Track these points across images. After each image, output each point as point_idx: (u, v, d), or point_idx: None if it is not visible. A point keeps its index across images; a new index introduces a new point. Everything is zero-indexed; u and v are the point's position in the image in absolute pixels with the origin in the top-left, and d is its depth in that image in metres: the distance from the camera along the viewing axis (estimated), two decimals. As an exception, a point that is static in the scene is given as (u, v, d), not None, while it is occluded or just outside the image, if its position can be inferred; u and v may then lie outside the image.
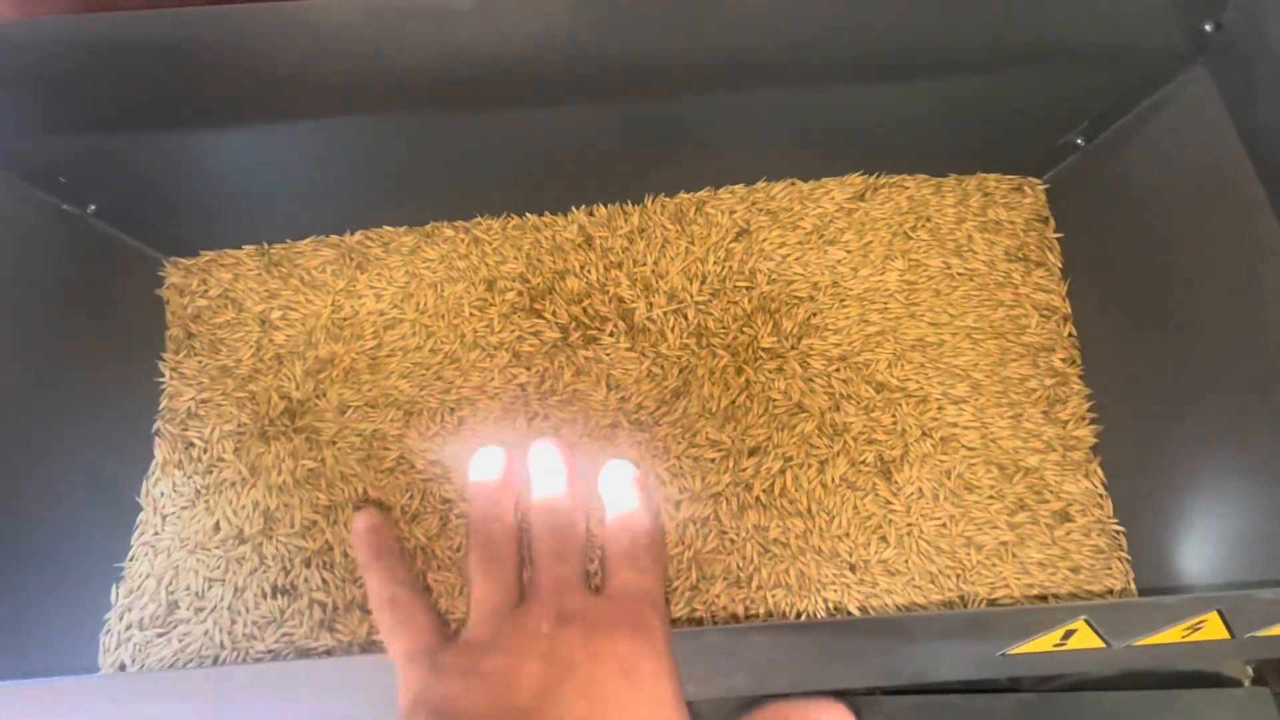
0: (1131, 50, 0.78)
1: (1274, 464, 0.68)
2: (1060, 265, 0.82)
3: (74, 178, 0.79)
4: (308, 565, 0.71)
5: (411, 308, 0.80)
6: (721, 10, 0.74)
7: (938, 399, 0.76)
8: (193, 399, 0.78)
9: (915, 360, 0.77)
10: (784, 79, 0.78)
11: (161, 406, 0.79)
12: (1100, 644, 0.53)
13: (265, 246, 0.85)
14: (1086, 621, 0.50)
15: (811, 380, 0.77)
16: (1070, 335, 0.79)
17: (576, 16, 0.74)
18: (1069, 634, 0.52)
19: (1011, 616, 0.51)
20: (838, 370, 0.77)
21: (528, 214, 0.85)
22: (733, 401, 0.76)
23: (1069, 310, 0.80)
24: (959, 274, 0.81)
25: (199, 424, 0.77)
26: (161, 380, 0.80)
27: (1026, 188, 0.84)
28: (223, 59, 0.75)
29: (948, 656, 0.54)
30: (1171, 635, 0.53)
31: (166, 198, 0.82)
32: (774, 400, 0.76)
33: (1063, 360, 0.78)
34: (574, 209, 0.85)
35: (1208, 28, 0.77)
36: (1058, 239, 0.83)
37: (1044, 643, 0.53)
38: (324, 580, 0.70)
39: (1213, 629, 0.53)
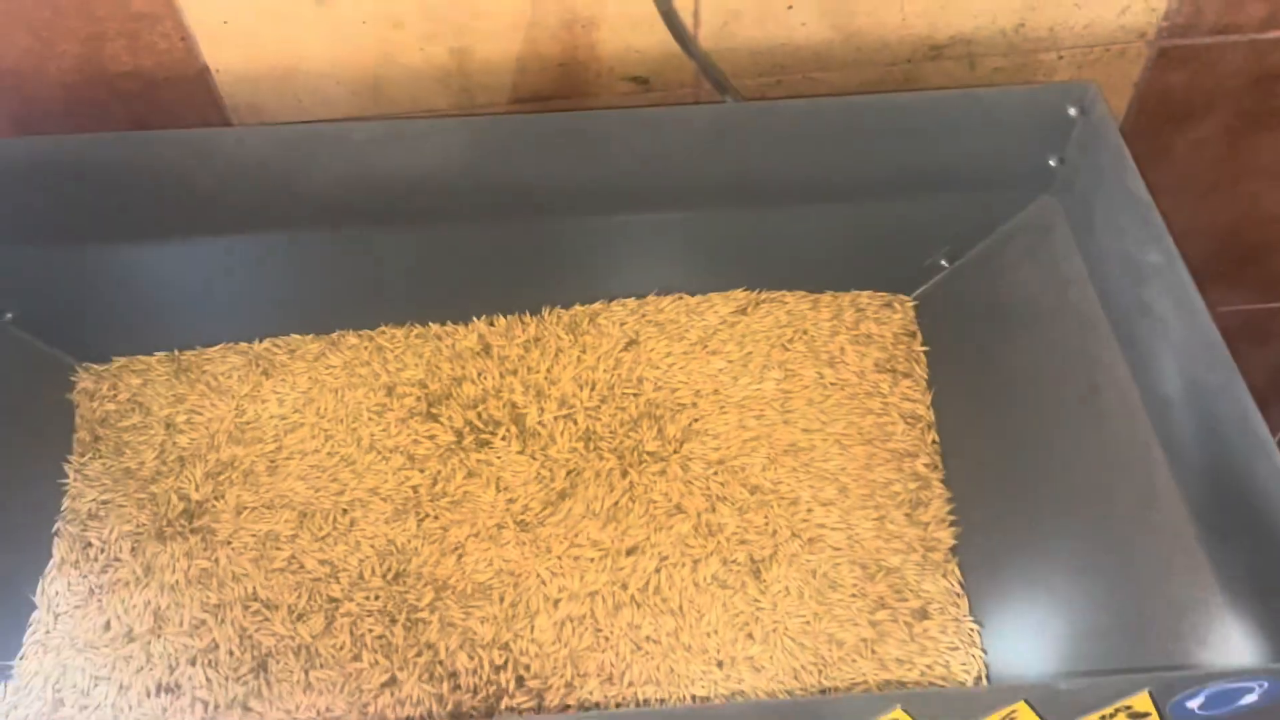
0: (987, 181, 0.86)
1: (1107, 562, 0.72)
2: (925, 376, 0.88)
3: (-9, 288, 0.83)
4: (193, 664, 0.73)
5: (312, 412, 0.84)
6: (607, 149, 0.80)
7: (807, 501, 0.80)
8: (94, 500, 0.81)
9: (788, 464, 0.82)
10: (669, 205, 0.85)
11: (64, 507, 0.81)
12: (925, 735, 0.57)
13: (176, 353, 0.88)
14: (903, 709, 0.54)
15: (691, 483, 0.81)
16: (933, 442, 0.84)
17: (473, 148, 0.80)
18: (892, 724, 0.56)
19: (833, 704, 0.54)
20: (715, 473, 0.81)
21: (430, 323, 0.90)
22: (615, 503, 0.80)
23: (932, 418, 0.85)
24: (831, 383, 0.86)
25: (98, 524, 0.80)
26: (65, 481, 0.82)
27: (896, 304, 0.91)
28: (142, 180, 0.80)
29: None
30: (991, 724, 0.57)
31: (81, 307, 0.87)
32: (654, 502, 0.80)
33: (925, 465, 0.82)
34: (474, 319, 0.90)
35: (1052, 162, 0.85)
36: (924, 351, 0.89)
37: (872, 732, 0.56)
38: (208, 679, 0.72)
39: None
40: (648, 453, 0.83)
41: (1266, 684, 0.55)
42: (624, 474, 0.82)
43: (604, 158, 0.81)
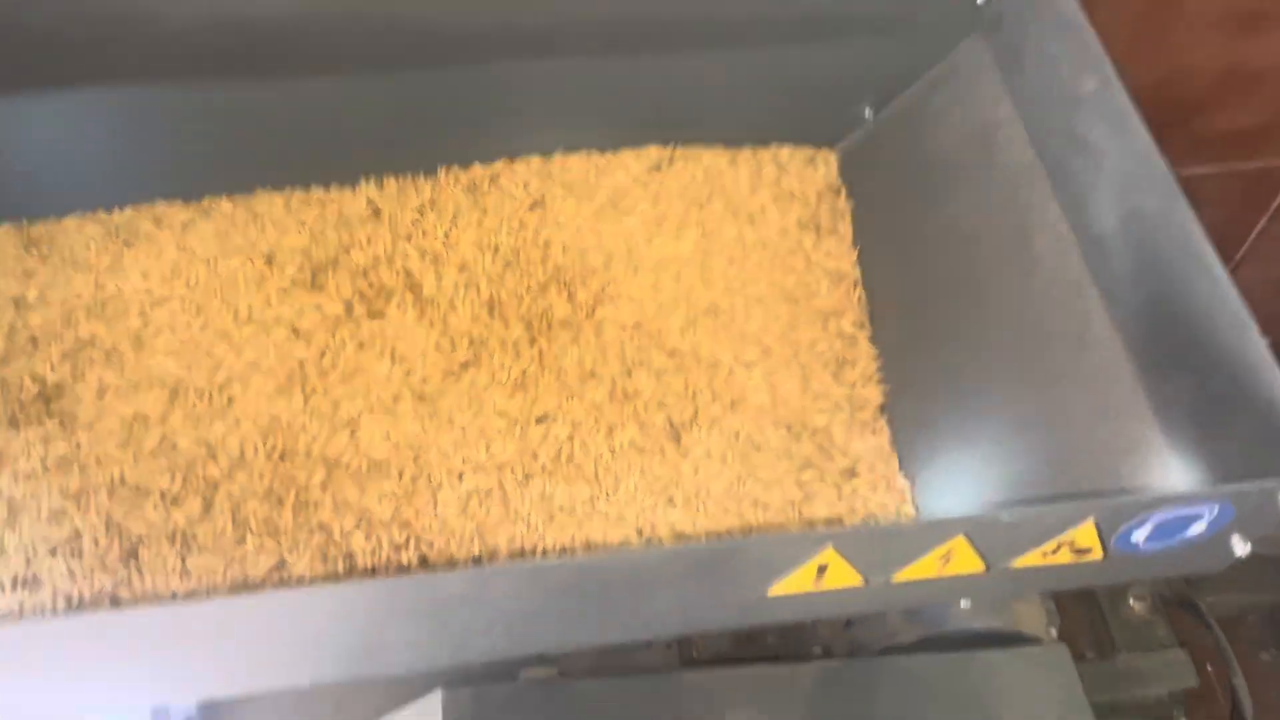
0: (910, 23, 0.80)
1: (1041, 410, 0.69)
2: (851, 233, 0.83)
3: None
4: (53, 554, 0.65)
5: (181, 284, 0.76)
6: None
7: (729, 363, 0.75)
8: (-66, 386, 0.72)
9: (708, 326, 0.76)
10: (574, 49, 0.77)
11: (-100, 397, 0.72)
12: (858, 579, 0.52)
13: (24, 224, 0.79)
14: (835, 549, 0.49)
15: (605, 349, 0.75)
16: (860, 300, 0.79)
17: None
18: (823, 569, 0.51)
19: (759, 546, 0.50)
20: (631, 338, 0.76)
21: (312, 186, 0.81)
22: (524, 371, 0.74)
23: (858, 275, 0.81)
24: (752, 242, 0.80)
25: (-59, 412, 0.71)
26: (-101, 367, 0.73)
27: (819, 159, 0.85)
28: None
29: (708, 600, 0.52)
30: (928, 568, 0.53)
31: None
32: (566, 370, 0.74)
33: (852, 323, 0.78)
34: (362, 181, 0.82)
35: (979, 1, 0.79)
36: (849, 208, 0.83)
37: (802, 580, 0.52)
38: (70, 570, 0.65)
39: (964, 558, 0.52)
40: (558, 320, 0.76)
41: (1217, 508, 0.52)
42: (532, 342, 0.75)
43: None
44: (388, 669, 0.51)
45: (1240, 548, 0.56)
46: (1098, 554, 0.55)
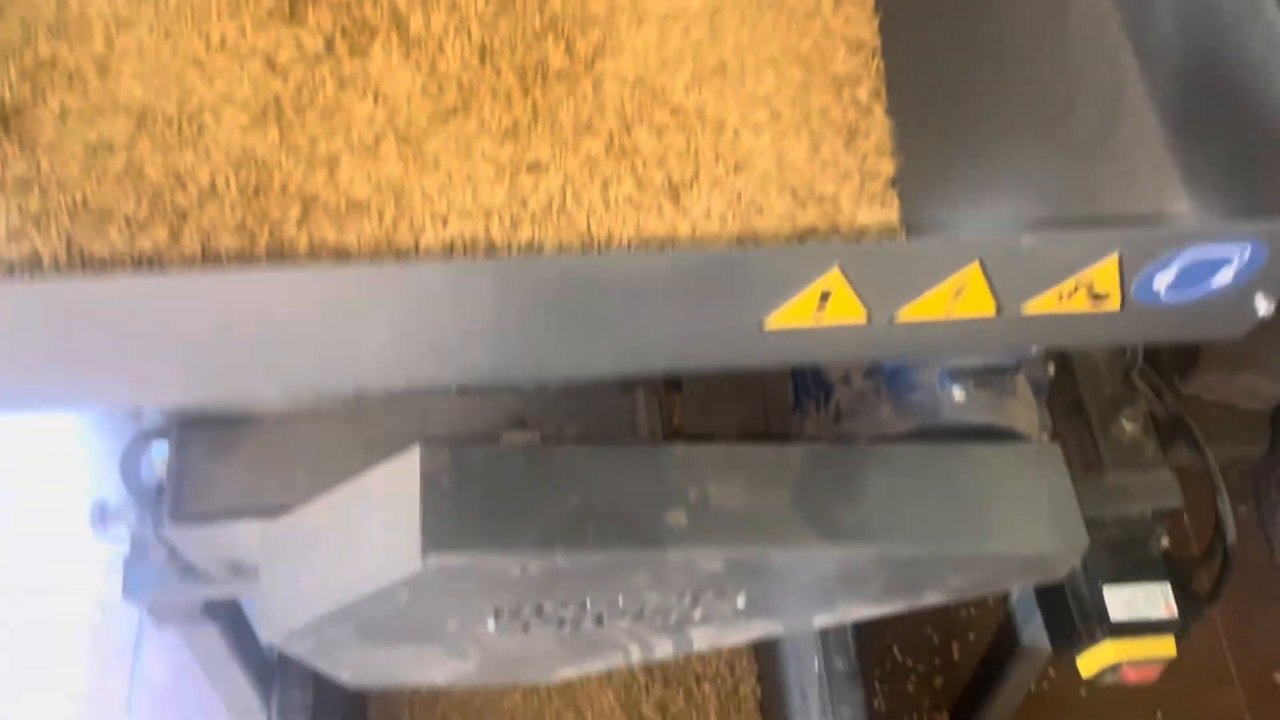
0: None
1: (1067, 185, 0.65)
2: (873, 1, 0.77)
3: None
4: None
5: (150, 7, 0.70)
6: None
7: (735, 124, 0.70)
8: (-116, 100, 0.67)
9: (715, 85, 0.72)
10: None
11: None
12: (861, 313, 0.49)
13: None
14: (841, 271, 0.46)
15: (604, 103, 0.70)
16: (877, 69, 0.74)
17: None
18: (826, 296, 0.48)
19: (761, 259, 0.46)
20: (632, 93, 0.71)
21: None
22: (515, 121, 0.69)
23: (878, 44, 0.75)
24: (767, 2, 0.75)
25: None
26: None
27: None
28: None
29: (702, 327, 0.49)
30: (937, 304, 0.50)
31: None
32: (560, 122, 0.70)
33: (868, 92, 0.73)
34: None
35: None
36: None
37: (803, 309, 0.49)
38: (29, 289, 0.61)
39: (976, 294, 0.49)
40: (553, 70, 0.71)
41: (1249, 249, 0.48)
42: (525, 92, 0.71)
43: None
44: (360, 377, 0.48)
45: (1264, 306, 0.53)
46: (1115, 301, 0.52)
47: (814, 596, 0.83)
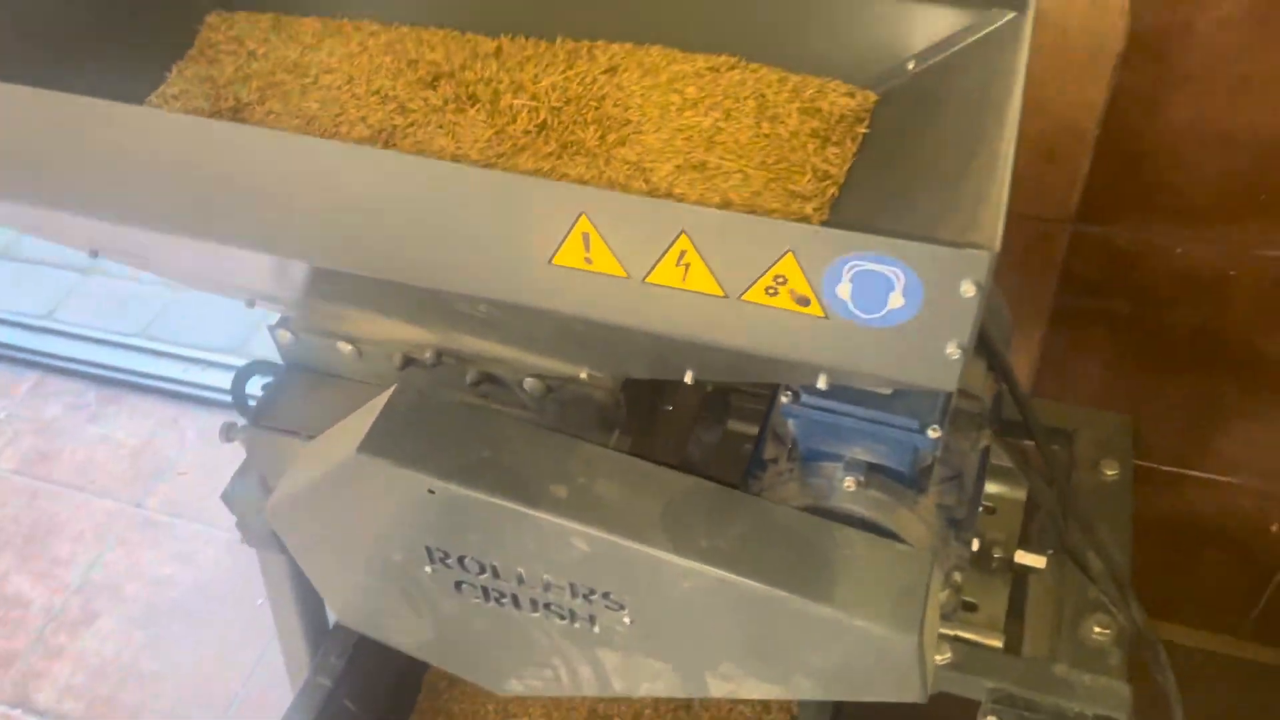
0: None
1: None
2: (854, 152, 0.94)
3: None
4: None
5: (349, 64, 1.04)
6: None
7: (701, 190, 0.90)
8: (178, 90, 1.05)
9: (688, 177, 0.92)
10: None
11: (154, 93, 1.06)
12: (619, 269, 0.67)
13: (280, 15, 1.12)
14: (589, 220, 0.64)
15: (602, 173, 0.93)
16: (832, 196, 0.91)
17: None
18: (587, 240, 0.66)
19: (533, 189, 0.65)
20: (627, 171, 0.93)
21: (467, 32, 1.08)
22: (539, 169, 0.94)
23: (841, 180, 0.92)
24: (765, 134, 0.95)
25: (175, 104, 1.04)
26: (167, 74, 1.07)
27: (858, 94, 0.98)
28: None
29: (500, 252, 0.69)
30: (671, 273, 0.66)
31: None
32: (569, 177, 0.93)
33: (814, 209, 0.90)
34: (502, 36, 1.07)
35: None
36: (863, 133, 0.95)
37: (573, 253, 0.67)
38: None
39: (700, 272, 0.65)
40: (585, 148, 0.96)
41: (899, 269, 0.60)
42: (558, 157, 0.95)
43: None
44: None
45: (954, 351, 0.63)
46: (817, 308, 0.64)
47: (690, 643, 0.92)
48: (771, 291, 0.65)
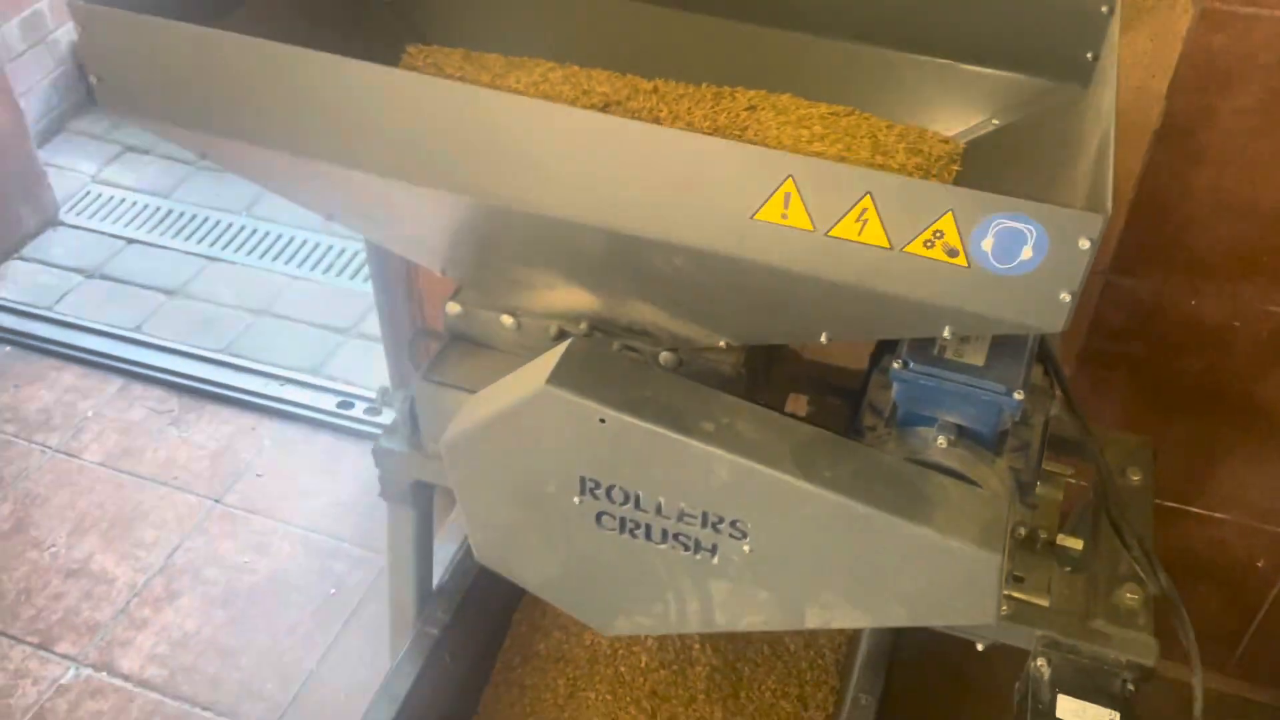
0: (1036, 68, 1.18)
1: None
2: (950, 180, 1.18)
3: None
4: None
5: (533, 90, 1.28)
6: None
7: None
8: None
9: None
10: (819, 31, 1.23)
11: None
12: (809, 223, 0.89)
13: (473, 51, 1.36)
14: (794, 183, 0.86)
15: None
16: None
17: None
18: (788, 200, 0.88)
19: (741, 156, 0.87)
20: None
21: (628, 73, 1.32)
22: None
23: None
24: (879, 165, 1.19)
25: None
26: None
27: (952, 141, 1.23)
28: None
29: (702, 206, 0.91)
30: (851, 227, 0.88)
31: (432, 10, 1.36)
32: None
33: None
34: (658, 78, 1.31)
35: (1090, 55, 1.15)
36: (957, 170, 1.19)
37: (773, 209, 0.89)
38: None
39: (874, 228, 0.87)
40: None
41: (1033, 227, 0.82)
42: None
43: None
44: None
45: (1066, 297, 0.85)
46: (963, 258, 0.86)
47: (798, 571, 1.11)
48: (929, 245, 0.87)
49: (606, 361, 1.12)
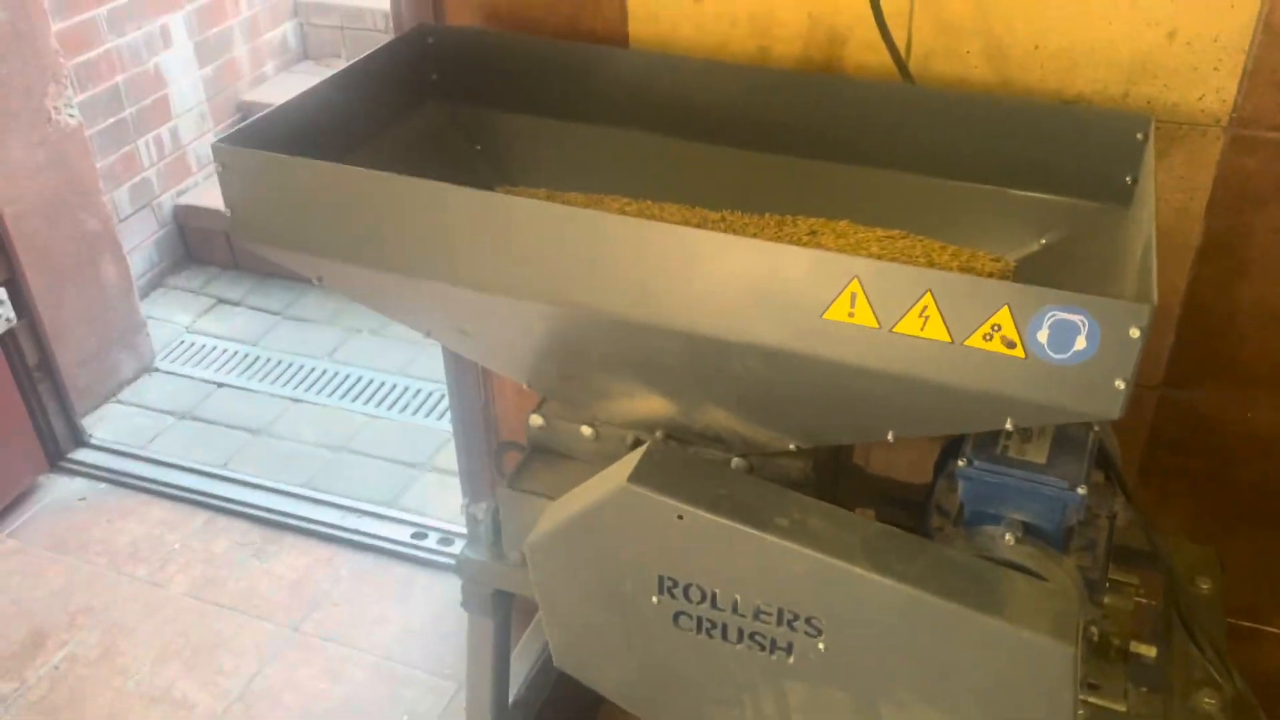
0: (1079, 194, 1.28)
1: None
2: (1003, 294, 1.26)
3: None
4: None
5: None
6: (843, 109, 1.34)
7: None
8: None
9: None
10: (868, 163, 1.35)
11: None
12: (874, 320, 0.97)
13: (550, 191, 1.49)
14: (860, 284, 0.95)
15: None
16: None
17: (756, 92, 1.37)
18: (854, 298, 0.97)
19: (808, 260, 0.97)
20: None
21: (696, 206, 1.43)
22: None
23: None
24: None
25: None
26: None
27: (1002, 261, 1.31)
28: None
29: (774, 307, 0.99)
30: (913, 323, 0.96)
31: (512, 154, 1.51)
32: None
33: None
34: (724, 209, 1.42)
35: (1128, 179, 1.25)
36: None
37: (840, 308, 0.97)
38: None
39: (935, 323, 0.95)
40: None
41: (1085, 318, 0.89)
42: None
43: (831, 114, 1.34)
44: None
45: (1121, 385, 0.91)
46: (1020, 350, 0.93)
47: (872, 668, 1.14)
48: (988, 338, 0.94)
49: (683, 463, 1.19)
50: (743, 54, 1.43)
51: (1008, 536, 1.14)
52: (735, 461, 1.27)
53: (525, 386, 1.32)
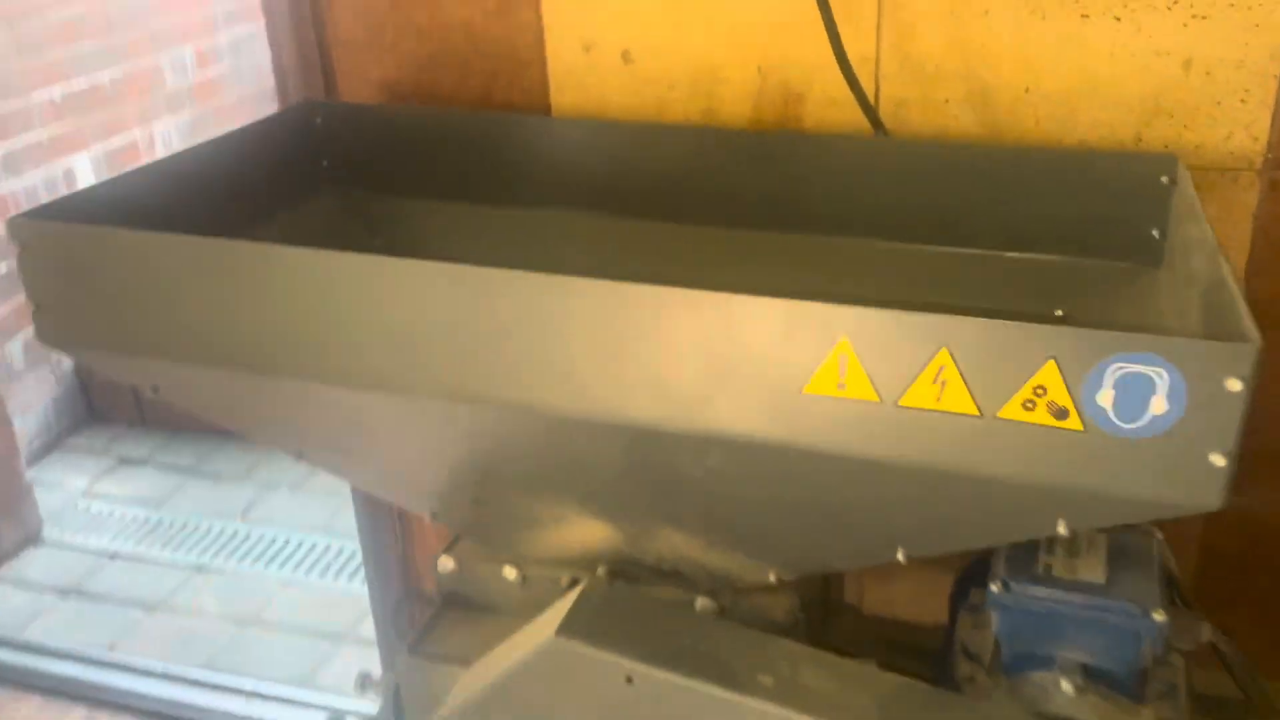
0: (1103, 259, 1.06)
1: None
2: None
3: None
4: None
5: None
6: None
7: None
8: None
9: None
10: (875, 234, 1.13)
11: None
12: (874, 393, 0.72)
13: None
14: (850, 342, 0.70)
15: None
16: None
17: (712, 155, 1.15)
18: (844, 366, 0.71)
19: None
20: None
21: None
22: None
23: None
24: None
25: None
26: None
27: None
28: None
29: (749, 383, 0.74)
30: (926, 393, 0.70)
31: (421, 240, 1.27)
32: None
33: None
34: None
35: (1154, 233, 1.03)
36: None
37: (827, 379, 0.72)
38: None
39: (957, 391, 0.69)
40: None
41: (1165, 369, 0.64)
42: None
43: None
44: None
45: (1220, 461, 0.66)
46: (1076, 420, 0.68)
47: None
48: (1029, 406, 0.69)
49: (631, 606, 0.91)
50: (684, 121, 1.22)
51: (1065, 684, 0.85)
52: (700, 602, 0.99)
53: (428, 519, 1.04)
